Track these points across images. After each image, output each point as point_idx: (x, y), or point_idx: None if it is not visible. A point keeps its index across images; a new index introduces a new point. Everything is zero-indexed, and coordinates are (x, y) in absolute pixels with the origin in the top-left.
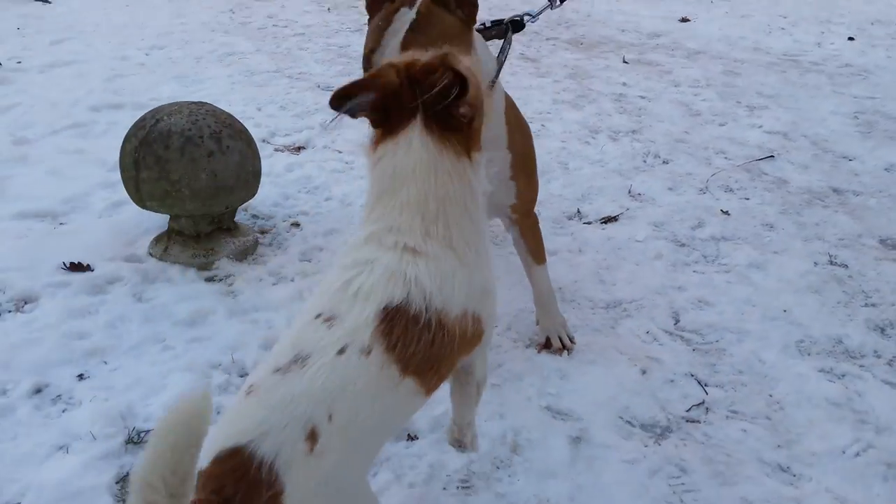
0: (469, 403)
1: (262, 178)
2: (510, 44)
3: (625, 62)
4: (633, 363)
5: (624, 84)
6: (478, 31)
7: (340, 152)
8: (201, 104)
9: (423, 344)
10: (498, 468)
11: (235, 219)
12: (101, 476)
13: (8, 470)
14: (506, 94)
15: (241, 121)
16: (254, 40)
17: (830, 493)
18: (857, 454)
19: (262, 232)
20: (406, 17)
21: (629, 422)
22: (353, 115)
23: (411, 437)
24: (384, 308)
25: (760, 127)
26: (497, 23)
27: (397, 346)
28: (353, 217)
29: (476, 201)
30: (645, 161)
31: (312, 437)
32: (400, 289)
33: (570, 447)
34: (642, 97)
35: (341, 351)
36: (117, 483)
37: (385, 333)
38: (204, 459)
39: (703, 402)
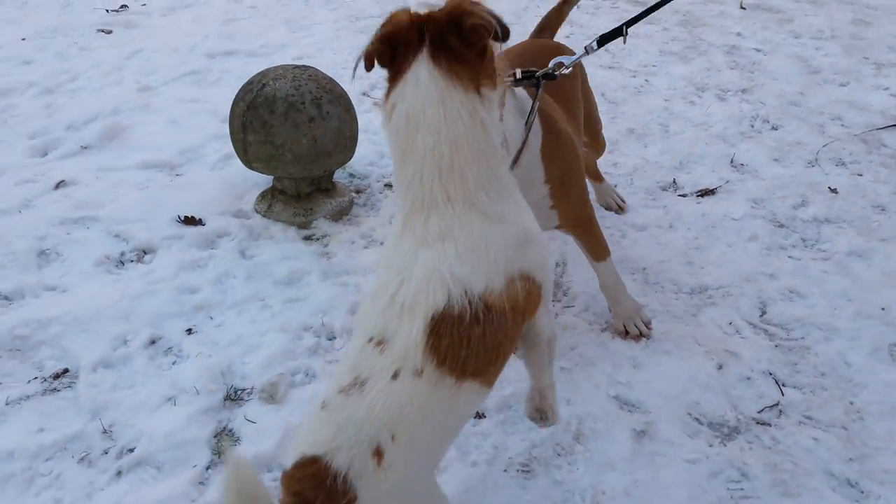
0: (543, 364)
1: (360, 136)
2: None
3: (742, 8)
4: (710, 356)
5: (738, 34)
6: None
7: None
8: (305, 68)
9: (476, 341)
10: (559, 455)
11: (333, 178)
12: (203, 430)
13: (126, 416)
14: (544, 127)
15: (343, 70)
16: None
17: None
18: None
19: (357, 192)
20: None
21: (697, 419)
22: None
23: (479, 416)
24: (431, 319)
25: (887, 89)
26: (528, 74)
27: (448, 358)
28: None
29: (492, 143)
30: (752, 126)
31: (378, 454)
32: (440, 292)
33: (633, 440)
34: (757, 50)
35: (395, 376)
36: (215, 437)
37: (434, 349)
38: (287, 461)
39: (777, 404)
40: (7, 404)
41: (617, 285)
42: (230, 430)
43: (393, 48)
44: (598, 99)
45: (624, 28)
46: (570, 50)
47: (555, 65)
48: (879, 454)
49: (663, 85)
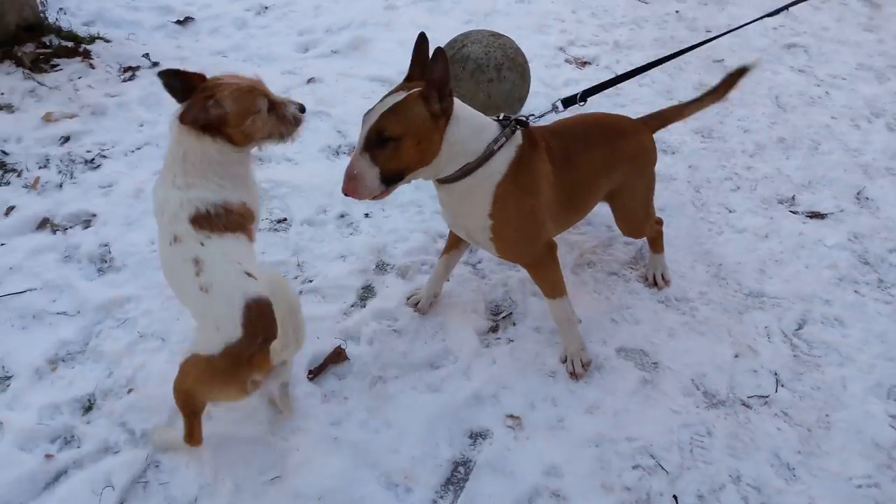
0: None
1: (540, 89)
2: (508, 137)
3: None
4: (733, 346)
5: None
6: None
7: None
8: (498, 36)
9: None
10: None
11: None
12: (356, 282)
13: (313, 259)
14: (513, 170)
15: (550, 23)
16: None
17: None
18: (859, 487)
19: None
20: (391, 99)
21: (696, 385)
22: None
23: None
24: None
25: None
26: (506, 119)
27: (205, 228)
28: None
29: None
30: None
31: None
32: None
33: (638, 383)
34: None
35: (202, 244)
36: (362, 289)
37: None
38: None
39: (766, 397)
40: None
41: (564, 323)
42: (371, 287)
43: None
44: (769, 101)
45: (578, 95)
46: (640, 132)
47: (553, 105)
48: (824, 457)
49: (840, 101)
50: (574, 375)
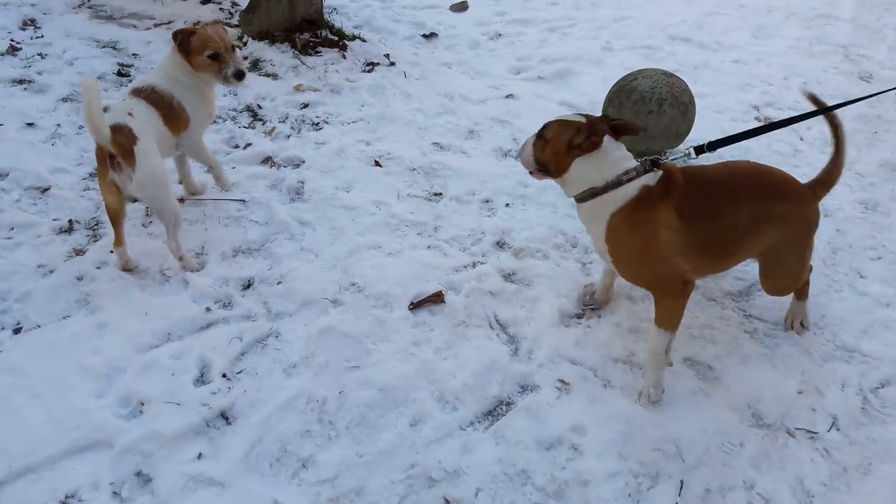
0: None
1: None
2: (639, 173)
3: None
4: (802, 384)
5: None
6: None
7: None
8: (669, 75)
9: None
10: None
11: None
12: (476, 248)
13: (448, 227)
14: (632, 207)
15: (756, 84)
16: None
17: None
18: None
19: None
20: (568, 116)
21: (749, 406)
22: None
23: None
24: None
25: None
26: (645, 160)
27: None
28: None
29: None
30: None
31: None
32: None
33: (693, 390)
34: None
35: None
36: (479, 255)
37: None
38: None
39: (816, 433)
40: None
41: (654, 356)
42: (485, 255)
43: None
44: None
45: (706, 145)
46: (797, 187)
47: (685, 152)
48: (849, 496)
49: None
50: (640, 398)
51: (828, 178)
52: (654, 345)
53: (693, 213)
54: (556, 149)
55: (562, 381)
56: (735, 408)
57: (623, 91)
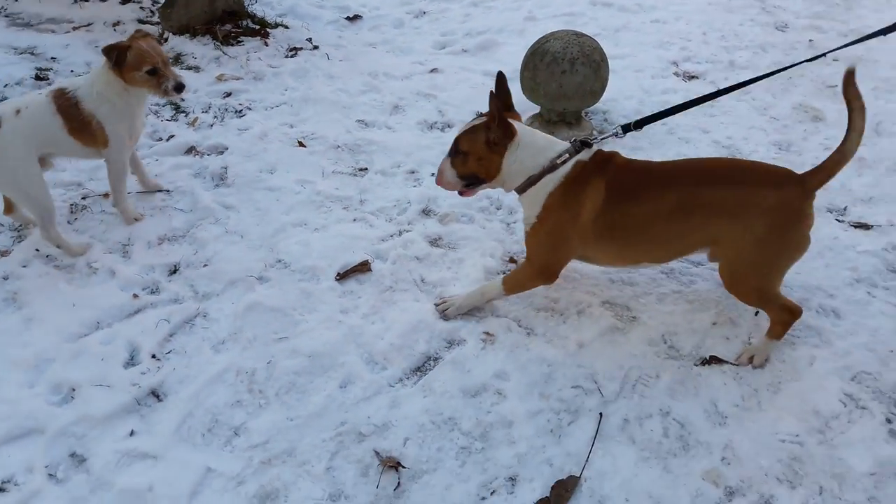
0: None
1: (636, 93)
2: (571, 155)
3: None
4: (716, 315)
5: None
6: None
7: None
8: (580, 35)
9: None
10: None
11: (585, 117)
12: (400, 218)
13: (373, 199)
14: (565, 185)
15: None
16: None
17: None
18: (782, 441)
19: (600, 132)
20: (472, 122)
21: (665, 339)
22: None
23: None
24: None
25: None
26: (574, 141)
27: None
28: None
29: None
30: None
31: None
32: None
33: (609, 329)
34: None
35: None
36: (404, 223)
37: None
38: None
39: (726, 362)
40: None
41: (478, 296)
42: (411, 223)
43: None
44: (867, 126)
45: (633, 123)
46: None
47: (614, 131)
48: (760, 413)
49: None
50: (441, 312)
51: (825, 165)
52: (488, 290)
53: (622, 192)
54: (478, 155)
55: (486, 334)
56: (651, 342)
57: (537, 54)
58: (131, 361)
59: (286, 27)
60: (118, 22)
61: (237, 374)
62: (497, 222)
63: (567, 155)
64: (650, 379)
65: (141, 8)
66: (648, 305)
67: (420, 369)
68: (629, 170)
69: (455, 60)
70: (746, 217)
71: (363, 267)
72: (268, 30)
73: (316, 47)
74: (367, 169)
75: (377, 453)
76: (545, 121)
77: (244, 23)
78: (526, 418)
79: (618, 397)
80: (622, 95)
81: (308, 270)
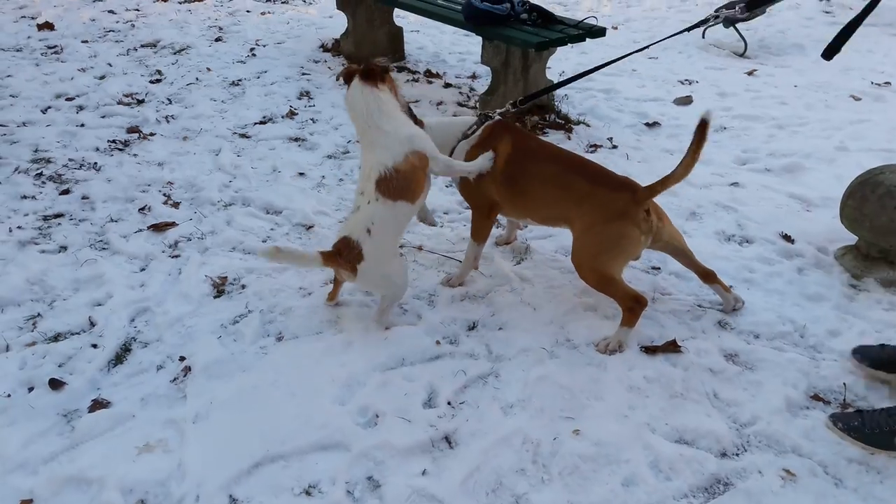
0: None
1: None
2: (479, 125)
3: None
4: None
5: None
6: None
7: None
8: None
9: (395, 184)
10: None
11: None
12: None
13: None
14: (480, 142)
15: None
16: None
17: None
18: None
19: None
20: None
21: None
22: None
23: None
24: (377, 179)
25: None
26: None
27: (385, 192)
28: None
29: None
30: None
31: (369, 231)
32: (377, 169)
33: None
34: None
35: (368, 202)
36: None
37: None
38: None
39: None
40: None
41: (467, 261)
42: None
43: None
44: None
45: (518, 101)
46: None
47: (504, 111)
48: None
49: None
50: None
51: (656, 184)
52: (468, 254)
53: (523, 151)
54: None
55: (787, 472)
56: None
57: (867, 184)
58: (429, 402)
59: (587, 125)
60: (441, 101)
61: (524, 442)
62: (801, 350)
63: (475, 126)
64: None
65: (460, 93)
66: None
67: (708, 490)
68: (529, 136)
69: (755, 177)
70: (586, 206)
71: (673, 347)
72: (571, 125)
73: (615, 147)
74: (660, 269)
75: None
76: (862, 254)
77: (550, 117)
78: None
79: None
80: None
81: (595, 356)
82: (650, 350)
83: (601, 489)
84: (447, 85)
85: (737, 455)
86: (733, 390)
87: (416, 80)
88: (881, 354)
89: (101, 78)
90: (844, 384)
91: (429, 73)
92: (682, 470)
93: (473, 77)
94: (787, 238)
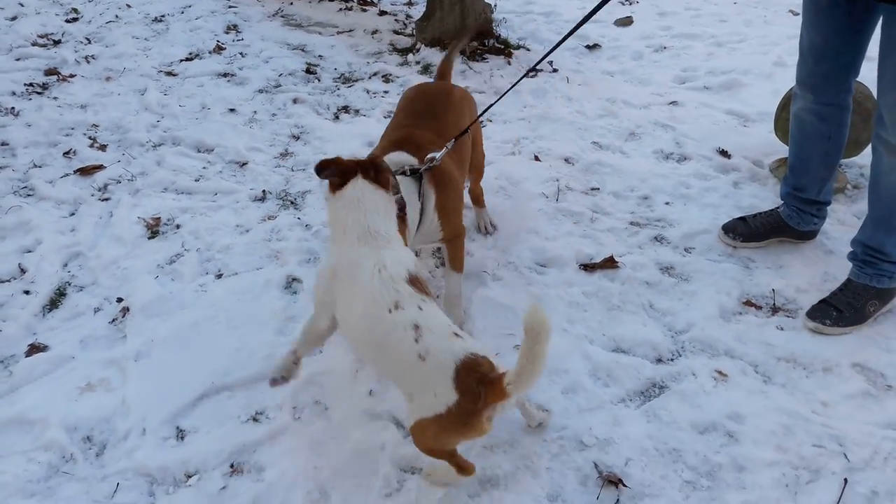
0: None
1: None
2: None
3: None
4: None
5: None
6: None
7: None
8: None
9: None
10: None
11: (842, 170)
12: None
13: None
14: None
15: None
16: None
17: None
18: None
19: (855, 187)
20: None
21: None
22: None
23: None
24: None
25: None
26: (414, 170)
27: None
28: None
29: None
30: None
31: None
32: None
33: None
34: None
35: (419, 308)
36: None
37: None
38: None
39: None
40: None
41: (457, 297)
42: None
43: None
44: None
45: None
46: (461, 90)
47: (428, 160)
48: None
49: None
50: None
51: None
52: (454, 290)
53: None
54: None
55: (719, 372)
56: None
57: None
58: None
59: (527, 49)
60: (376, 30)
61: None
62: (734, 260)
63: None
64: None
65: (396, 20)
66: None
67: (644, 393)
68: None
69: (695, 95)
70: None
71: (610, 263)
72: (511, 50)
73: (555, 70)
74: (599, 189)
75: (597, 466)
76: None
77: (490, 42)
78: (759, 467)
79: (867, 466)
80: None
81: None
82: (588, 267)
83: (541, 397)
84: (382, 13)
85: (672, 360)
86: (669, 300)
87: (350, 9)
88: (748, 228)
89: (13, 19)
90: (773, 290)
91: (362, 1)
92: (620, 376)
93: (410, 3)
94: (723, 153)
